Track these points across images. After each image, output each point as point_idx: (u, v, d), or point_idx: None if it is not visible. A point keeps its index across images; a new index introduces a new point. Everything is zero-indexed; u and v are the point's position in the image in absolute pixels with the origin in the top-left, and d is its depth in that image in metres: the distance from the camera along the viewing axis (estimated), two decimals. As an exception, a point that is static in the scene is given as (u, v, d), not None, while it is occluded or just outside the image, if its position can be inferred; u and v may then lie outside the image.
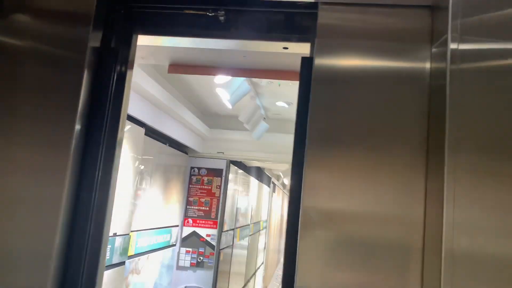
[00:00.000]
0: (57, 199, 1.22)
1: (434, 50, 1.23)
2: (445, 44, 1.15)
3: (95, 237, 1.31)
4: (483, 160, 1.06)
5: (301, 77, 1.30)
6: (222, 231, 5.31)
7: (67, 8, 1.32)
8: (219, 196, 5.26)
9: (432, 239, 1.10)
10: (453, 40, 1.13)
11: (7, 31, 1.32)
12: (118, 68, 1.40)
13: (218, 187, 5.28)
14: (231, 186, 5.60)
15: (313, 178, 1.20)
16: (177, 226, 5.08)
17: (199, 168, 5.33)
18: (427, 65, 1.24)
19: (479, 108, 1.09)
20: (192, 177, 5.32)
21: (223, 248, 5.51)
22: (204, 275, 5.11)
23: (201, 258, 5.15)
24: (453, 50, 1.12)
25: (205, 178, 5.30)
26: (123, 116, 1.41)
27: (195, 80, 3.99)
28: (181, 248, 5.18)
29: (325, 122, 1.22)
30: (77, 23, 1.30)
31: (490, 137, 1.07)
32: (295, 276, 1.15)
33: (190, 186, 5.29)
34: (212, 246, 5.19)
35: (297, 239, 1.17)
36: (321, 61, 1.25)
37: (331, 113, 1.23)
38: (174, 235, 4.96)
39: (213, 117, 5.33)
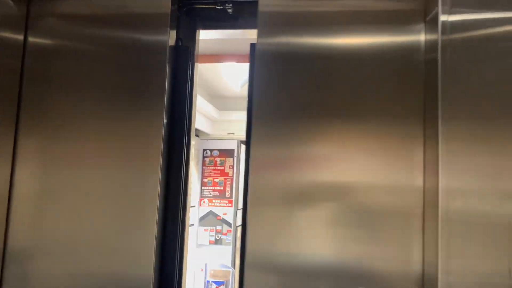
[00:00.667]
0: (154, 189, 1.31)
1: (427, 23, 1.27)
2: (436, 17, 1.19)
3: (183, 224, 1.41)
4: (475, 127, 1.11)
5: (249, 61, 1.36)
6: (238, 209, 5.43)
7: (146, 11, 1.37)
8: (232, 176, 5.37)
9: (431, 205, 1.17)
10: (443, 12, 1.17)
11: (92, 40, 1.39)
12: (190, 64, 1.46)
13: (230, 167, 5.38)
14: (243, 165, 5.68)
15: (257, 153, 1.27)
16: (194, 206, 5.22)
17: (211, 150, 5.43)
18: (422, 38, 1.28)
19: (470, 76, 1.14)
20: (205, 158, 5.42)
21: (240, 225, 5.64)
22: (223, 251, 5.26)
23: (219, 235, 5.30)
24: (443, 22, 1.16)
25: (218, 159, 5.40)
26: (195, 108, 1.51)
27: (202, 65, 4.03)
28: (199, 227, 5.33)
29: (269, 99, 1.29)
30: (156, 25, 1.35)
31: (482, 104, 1.12)
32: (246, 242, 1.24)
33: (204, 167, 5.40)
34: (229, 224, 5.33)
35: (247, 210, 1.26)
36: (261, 45, 1.31)
37: (271, 90, 1.29)
38: (192, 215, 5.10)
39: (222, 100, 5.39)
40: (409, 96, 1.27)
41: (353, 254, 1.23)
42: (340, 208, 1.25)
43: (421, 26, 1.29)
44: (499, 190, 1.07)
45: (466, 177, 1.09)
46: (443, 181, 1.10)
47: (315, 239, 1.24)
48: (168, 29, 1.35)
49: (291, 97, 1.30)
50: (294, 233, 1.24)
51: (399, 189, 1.24)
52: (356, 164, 1.25)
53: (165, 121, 1.34)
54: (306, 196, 1.25)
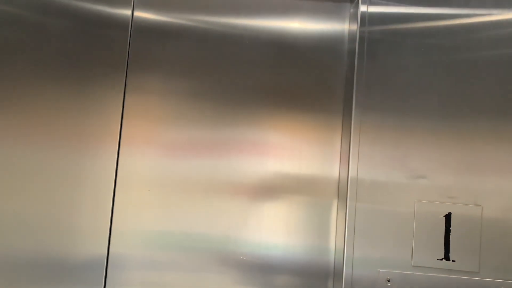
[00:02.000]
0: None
1: (351, 12, 1.26)
2: (357, 6, 1.18)
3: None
4: (387, 117, 1.11)
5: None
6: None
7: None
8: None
9: (343, 195, 1.18)
10: (363, 3, 1.16)
11: None
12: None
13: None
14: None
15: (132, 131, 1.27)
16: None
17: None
18: (346, 27, 1.28)
19: (387, 68, 1.13)
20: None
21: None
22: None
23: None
24: (363, 13, 1.15)
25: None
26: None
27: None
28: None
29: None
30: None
31: (395, 96, 1.12)
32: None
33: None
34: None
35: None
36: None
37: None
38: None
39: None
40: (332, 86, 1.26)
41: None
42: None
43: (347, 13, 1.27)
44: (406, 179, 1.08)
45: (375, 166, 1.09)
46: (352, 170, 1.10)
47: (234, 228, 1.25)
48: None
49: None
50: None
51: (315, 179, 1.25)
52: (274, 151, 1.26)
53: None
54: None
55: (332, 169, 1.24)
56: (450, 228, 1.05)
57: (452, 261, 1.06)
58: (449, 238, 1.05)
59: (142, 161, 1.27)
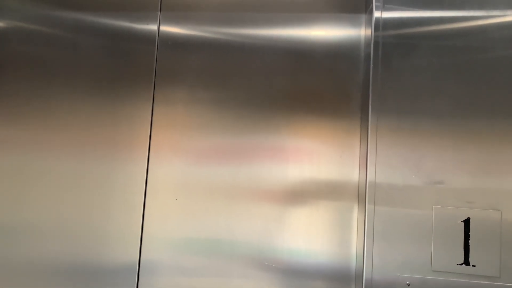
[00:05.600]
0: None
1: (366, 19, 1.27)
2: (371, 13, 1.19)
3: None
4: (403, 121, 1.12)
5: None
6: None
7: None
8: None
9: (362, 198, 1.19)
10: (377, 9, 1.17)
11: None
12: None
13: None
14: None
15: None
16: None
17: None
18: (362, 33, 1.29)
19: (400, 72, 1.14)
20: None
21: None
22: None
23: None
24: (376, 19, 1.16)
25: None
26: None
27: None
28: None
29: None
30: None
31: (410, 99, 1.12)
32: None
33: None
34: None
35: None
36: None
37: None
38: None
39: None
40: (349, 91, 1.28)
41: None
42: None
43: (362, 21, 1.29)
44: (423, 184, 1.08)
45: (392, 169, 1.10)
46: (370, 174, 1.11)
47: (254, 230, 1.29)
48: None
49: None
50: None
51: (336, 183, 1.26)
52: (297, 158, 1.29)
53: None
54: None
55: (352, 173, 1.26)
56: (470, 233, 1.04)
57: (472, 266, 1.04)
58: (468, 243, 1.04)
59: (170, 168, 1.33)
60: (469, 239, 1.04)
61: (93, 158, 1.36)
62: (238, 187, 1.30)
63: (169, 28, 1.39)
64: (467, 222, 1.04)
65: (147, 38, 1.39)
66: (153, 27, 1.40)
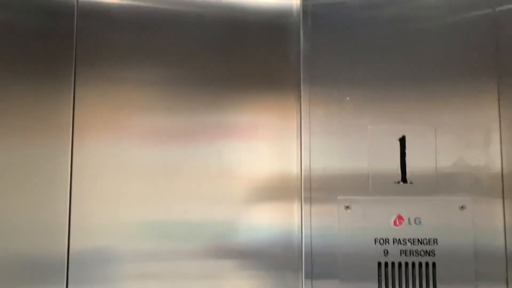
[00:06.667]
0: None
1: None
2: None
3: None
4: (334, 91, 1.12)
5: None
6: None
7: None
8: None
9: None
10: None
11: None
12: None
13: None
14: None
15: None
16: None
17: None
18: (294, 1, 1.32)
19: (331, 41, 1.16)
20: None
21: None
22: None
23: None
24: (301, -15, 1.22)
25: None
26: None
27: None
28: None
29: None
30: None
31: (342, 70, 1.14)
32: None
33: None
34: None
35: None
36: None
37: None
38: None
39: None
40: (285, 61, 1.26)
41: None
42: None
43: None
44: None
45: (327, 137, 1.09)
46: (305, 142, 1.09)
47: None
48: None
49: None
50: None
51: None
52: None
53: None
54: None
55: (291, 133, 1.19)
56: (405, 151, 1.03)
57: (410, 183, 1.02)
58: (405, 160, 1.02)
59: (96, 151, 1.20)
60: (405, 157, 1.02)
61: (12, 145, 1.20)
62: (173, 167, 1.18)
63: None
64: (402, 140, 1.03)
65: (64, 10, 1.33)
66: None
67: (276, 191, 1.13)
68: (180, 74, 1.25)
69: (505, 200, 1.02)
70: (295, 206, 1.10)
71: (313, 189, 1.05)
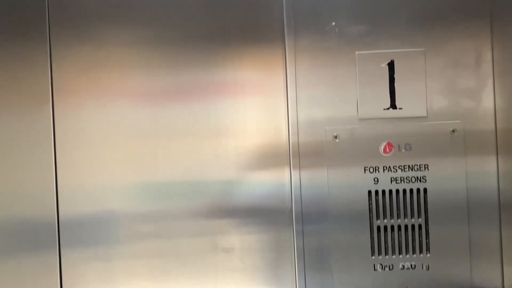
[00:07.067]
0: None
1: None
2: None
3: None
4: (319, 41, 1.04)
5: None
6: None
7: None
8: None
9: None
10: None
11: None
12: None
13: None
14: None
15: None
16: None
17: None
18: None
19: None
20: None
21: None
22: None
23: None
24: None
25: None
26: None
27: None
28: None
29: None
30: None
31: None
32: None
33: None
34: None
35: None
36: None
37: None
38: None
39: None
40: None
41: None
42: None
43: None
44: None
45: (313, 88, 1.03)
46: (291, 92, 1.03)
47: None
48: None
49: None
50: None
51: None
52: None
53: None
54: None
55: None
56: (394, 76, 0.99)
57: (399, 108, 0.98)
58: (394, 86, 0.99)
59: (79, 115, 1.14)
60: (394, 82, 0.99)
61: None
62: (162, 128, 1.13)
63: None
64: (391, 64, 0.99)
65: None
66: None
67: (266, 141, 1.09)
68: (162, 32, 1.16)
69: (497, 121, 0.99)
70: (285, 150, 1.06)
71: (300, 123, 1.01)
